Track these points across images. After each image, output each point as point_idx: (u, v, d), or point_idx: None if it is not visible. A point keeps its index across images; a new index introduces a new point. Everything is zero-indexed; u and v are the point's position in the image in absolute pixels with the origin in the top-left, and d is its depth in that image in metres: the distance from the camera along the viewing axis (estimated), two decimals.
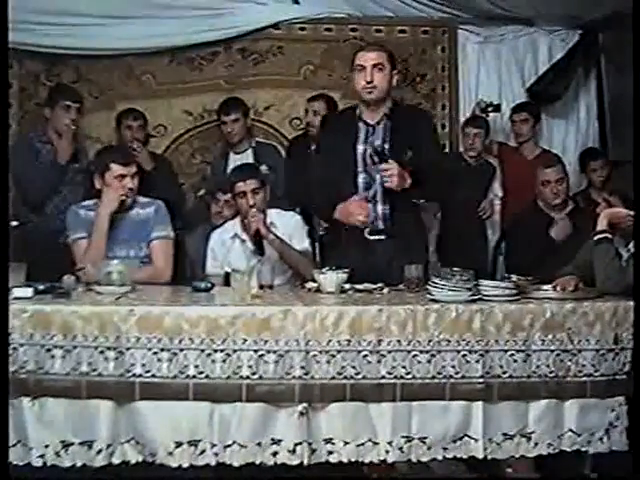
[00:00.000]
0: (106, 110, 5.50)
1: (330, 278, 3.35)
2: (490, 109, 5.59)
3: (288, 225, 4.14)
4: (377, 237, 3.79)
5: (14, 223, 4.48)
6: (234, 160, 5.09)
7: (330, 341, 2.82)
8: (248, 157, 5.09)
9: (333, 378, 2.83)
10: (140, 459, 2.84)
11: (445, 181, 4.02)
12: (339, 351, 2.83)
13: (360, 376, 2.84)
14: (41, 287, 3.14)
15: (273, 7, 5.71)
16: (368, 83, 3.74)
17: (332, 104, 5.22)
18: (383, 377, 2.86)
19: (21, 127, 5.58)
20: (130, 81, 5.65)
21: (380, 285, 3.40)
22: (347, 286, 3.38)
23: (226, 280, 3.88)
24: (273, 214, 4.13)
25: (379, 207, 3.78)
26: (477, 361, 2.88)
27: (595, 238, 3.31)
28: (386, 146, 3.75)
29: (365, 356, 2.84)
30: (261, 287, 3.30)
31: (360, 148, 3.80)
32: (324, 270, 3.44)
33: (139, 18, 5.50)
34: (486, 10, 5.67)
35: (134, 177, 3.85)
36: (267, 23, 5.69)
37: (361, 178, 3.79)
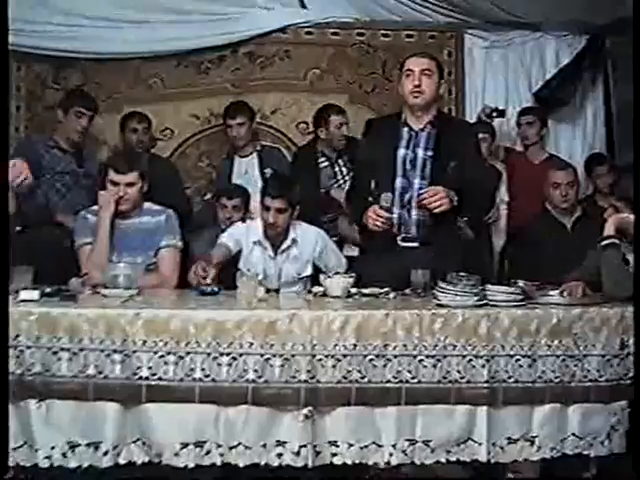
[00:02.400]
0: (113, 113, 5.48)
1: (336, 282, 3.36)
2: (495, 114, 5.58)
3: (313, 241, 4.15)
4: (410, 244, 3.77)
5: (18, 228, 4.49)
6: (239, 163, 5.11)
7: (336, 345, 2.84)
8: (253, 161, 5.09)
9: (339, 382, 2.84)
10: (146, 460, 2.85)
11: (486, 197, 4.01)
12: (345, 355, 2.84)
13: (366, 380, 2.86)
14: (48, 290, 3.15)
15: (280, 11, 5.72)
16: (415, 87, 3.74)
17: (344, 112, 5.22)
18: (389, 381, 2.87)
19: (29, 130, 5.60)
20: (137, 85, 5.66)
21: (387, 289, 3.40)
22: (353, 290, 3.39)
23: (232, 283, 3.90)
24: (297, 230, 4.13)
25: (413, 213, 3.75)
26: (483, 366, 2.90)
27: (602, 244, 3.31)
28: (429, 154, 3.75)
29: (371, 360, 2.85)
30: (267, 291, 3.31)
31: (401, 152, 3.79)
32: (330, 274, 3.45)
33: (146, 22, 5.51)
34: (493, 15, 5.67)
35: (129, 186, 3.83)
36: (274, 27, 5.69)
37: (398, 183, 3.76)
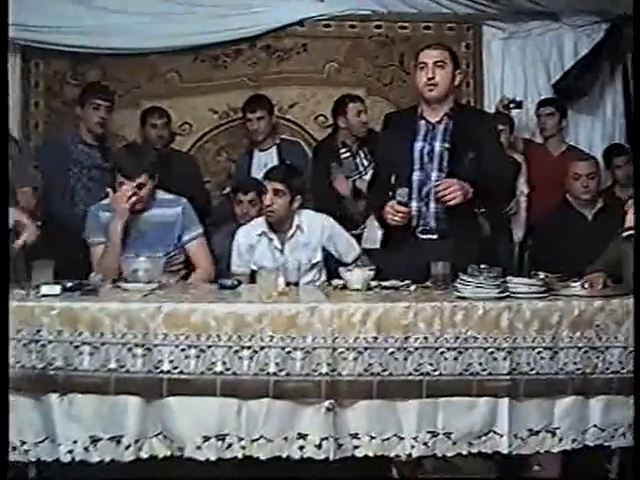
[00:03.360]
0: (131, 108, 5.51)
1: (357, 275, 3.35)
2: (512, 105, 5.55)
3: (320, 226, 4.13)
4: (428, 236, 3.75)
5: (38, 223, 4.51)
6: (258, 158, 5.12)
7: (357, 338, 2.83)
8: (272, 154, 5.10)
9: (360, 375, 2.84)
10: (168, 453, 2.87)
11: (505, 188, 3.99)
12: (366, 348, 2.84)
13: (387, 373, 2.85)
14: (69, 284, 3.16)
15: (297, 4, 5.71)
16: (429, 80, 3.72)
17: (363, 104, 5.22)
18: (410, 374, 2.86)
19: (48, 126, 5.63)
20: (155, 79, 5.67)
21: (407, 282, 3.38)
22: (374, 283, 3.38)
23: (252, 278, 3.90)
24: (302, 217, 4.12)
25: (431, 206, 3.73)
26: (504, 358, 2.88)
27: (624, 235, 3.29)
28: (446, 146, 3.74)
29: (392, 353, 2.85)
30: (287, 284, 3.31)
31: (418, 145, 3.77)
32: (351, 267, 3.44)
33: (164, 16, 5.51)
34: (513, 4, 5.64)
35: (140, 187, 3.80)
36: (291, 20, 5.68)
37: (416, 176, 3.75)
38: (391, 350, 2.84)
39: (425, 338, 2.86)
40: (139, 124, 5.29)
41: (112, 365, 2.83)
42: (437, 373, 2.87)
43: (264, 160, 5.02)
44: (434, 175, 3.73)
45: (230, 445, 2.85)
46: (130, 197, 3.76)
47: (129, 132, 5.46)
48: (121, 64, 5.62)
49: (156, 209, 3.91)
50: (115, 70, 5.63)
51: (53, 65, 5.67)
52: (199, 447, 2.83)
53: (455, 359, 2.88)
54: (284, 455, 2.86)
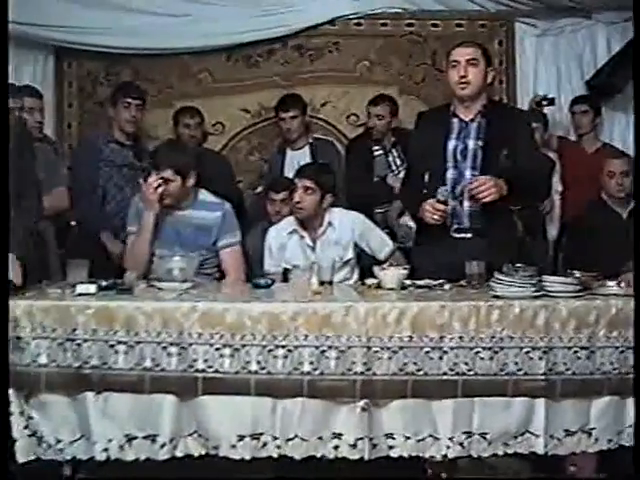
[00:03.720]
0: (164, 108, 5.54)
1: (391, 274, 3.34)
2: (545, 103, 5.50)
3: (351, 223, 4.11)
4: (463, 235, 3.73)
5: (72, 223, 4.56)
6: (291, 157, 5.12)
7: (392, 337, 2.83)
8: (305, 154, 5.10)
9: (395, 374, 2.84)
10: (203, 452, 2.88)
11: (540, 185, 3.97)
12: (401, 347, 2.83)
13: (422, 372, 2.84)
14: (104, 283, 3.18)
15: (329, 3, 5.70)
16: (461, 78, 3.70)
17: (394, 105, 5.19)
18: (445, 374, 2.86)
19: (81, 126, 5.67)
20: (187, 79, 5.69)
21: (441, 281, 3.37)
22: (408, 282, 3.37)
23: (284, 277, 3.90)
24: (333, 214, 4.11)
25: (466, 205, 3.72)
26: (540, 358, 2.87)
27: None
28: (480, 144, 3.72)
29: (427, 352, 2.84)
30: (320, 283, 3.30)
31: (451, 144, 3.76)
32: (385, 266, 3.43)
33: (196, 16, 5.53)
34: (546, 0, 5.59)
35: (166, 182, 3.78)
36: (323, 19, 5.67)
37: (450, 174, 3.73)
38: (426, 349, 2.84)
39: (460, 338, 2.85)
40: (172, 124, 5.31)
41: (147, 364, 2.85)
42: (472, 373, 2.86)
43: (297, 159, 5.01)
44: (468, 173, 3.72)
45: (265, 444, 2.86)
46: (156, 188, 3.77)
47: (162, 132, 5.48)
48: (154, 64, 5.65)
49: (196, 210, 3.91)
50: (148, 70, 5.66)
51: (86, 66, 5.71)
52: (234, 446, 2.85)
53: (491, 359, 2.86)
54: (318, 455, 2.86)
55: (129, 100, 4.78)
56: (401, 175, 4.77)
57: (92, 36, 5.47)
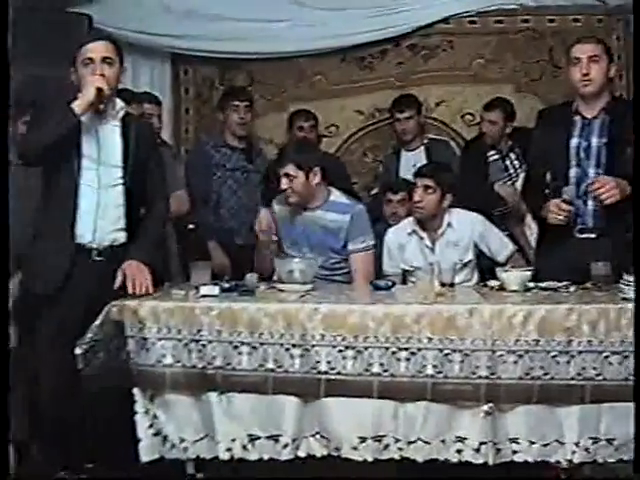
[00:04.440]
0: (278, 112, 5.58)
1: (515, 276, 3.30)
2: None
3: (471, 224, 4.06)
4: (587, 235, 3.65)
5: (191, 226, 4.64)
6: (407, 157, 5.08)
7: (518, 340, 2.79)
8: (421, 154, 5.05)
9: (520, 379, 2.80)
10: (325, 453, 2.90)
11: None
12: (527, 351, 2.79)
13: (548, 377, 2.79)
14: (226, 285, 3.23)
15: (442, 1, 5.63)
16: (584, 76, 3.64)
17: (509, 109, 5.08)
18: (572, 378, 2.80)
19: (198, 131, 5.76)
20: (302, 82, 5.70)
21: (566, 283, 3.30)
22: (531, 284, 3.31)
23: (403, 278, 3.88)
24: (453, 215, 4.06)
25: (590, 204, 3.64)
26: None
27: None
28: (603, 141, 3.64)
29: (554, 357, 2.79)
30: (442, 285, 3.27)
31: (574, 142, 3.69)
32: (508, 267, 3.38)
33: (310, 20, 5.55)
34: None
35: (288, 177, 3.77)
36: (437, 18, 5.60)
37: (573, 173, 3.67)
38: (553, 353, 2.78)
39: (589, 341, 2.79)
40: (287, 127, 5.35)
41: (270, 365, 2.88)
42: (601, 378, 2.80)
43: (412, 160, 4.97)
44: (592, 172, 3.64)
45: (387, 446, 2.86)
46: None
47: (276, 135, 5.53)
48: (268, 69, 5.68)
49: (325, 212, 3.87)
50: (262, 75, 5.69)
51: (202, 72, 5.78)
52: (355, 447, 2.85)
53: (620, 363, 2.80)
54: (442, 458, 2.84)
55: (237, 102, 4.87)
56: (517, 180, 4.75)
57: (206, 42, 5.52)
